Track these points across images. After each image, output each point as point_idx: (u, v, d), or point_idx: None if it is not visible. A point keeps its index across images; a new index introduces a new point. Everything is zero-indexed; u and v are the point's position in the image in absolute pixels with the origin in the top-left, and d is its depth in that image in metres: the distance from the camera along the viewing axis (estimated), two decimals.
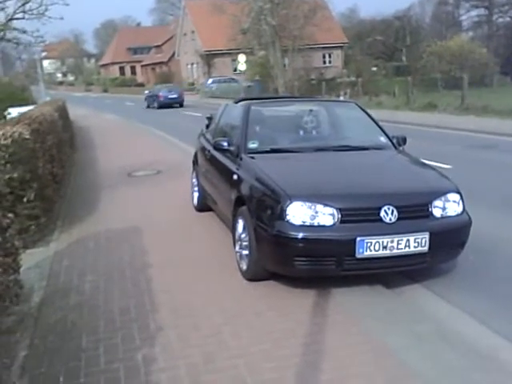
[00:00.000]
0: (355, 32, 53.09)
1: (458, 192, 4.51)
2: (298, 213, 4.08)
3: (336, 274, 4.20)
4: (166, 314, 4.04)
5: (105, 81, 69.76)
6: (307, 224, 4.07)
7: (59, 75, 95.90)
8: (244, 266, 4.65)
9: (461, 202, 4.48)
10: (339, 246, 4.05)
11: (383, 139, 5.57)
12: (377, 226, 4.08)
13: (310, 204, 4.10)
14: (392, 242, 4.04)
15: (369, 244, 4.01)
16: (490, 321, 3.84)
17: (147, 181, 9.46)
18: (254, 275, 4.55)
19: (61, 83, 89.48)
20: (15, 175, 5.51)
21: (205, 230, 6.31)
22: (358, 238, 3.99)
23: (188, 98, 37.05)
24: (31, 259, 5.46)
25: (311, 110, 5.88)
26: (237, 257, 4.86)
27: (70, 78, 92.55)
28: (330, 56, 49.73)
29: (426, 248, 4.13)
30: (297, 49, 35.04)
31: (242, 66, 37.11)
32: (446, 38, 42.94)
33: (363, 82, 30.28)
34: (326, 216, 4.07)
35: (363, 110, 5.98)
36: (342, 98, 24.14)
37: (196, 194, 7.10)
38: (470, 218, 4.51)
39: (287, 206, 4.10)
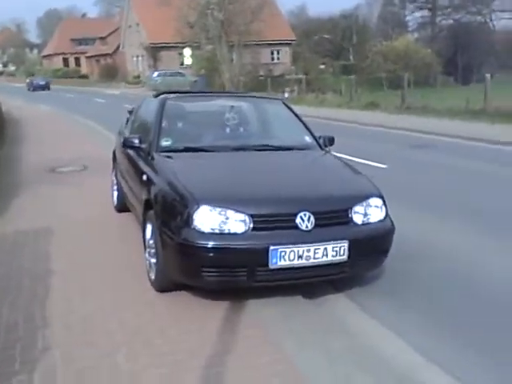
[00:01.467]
0: (303, 30, 53.14)
1: (381, 196, 4.22)
2: (207, 219, 3.71)
3: (248, 286, 3.86)
4: (58, 331, 3.60)
5: (47, 72, 67.31)
6: (216, 231, 3.71)
7: None
8: (153, 276, 4.25)
9: (383, 207, 4.19)
10: (251, 256, 3.70)
11: (308, 139, 5.25)
12: (292, 234, 3.75)
13: (220, 209, 3.73)
14: (308, 250, 3.73)
15: (283, 253, 3.68)
16: (409, 335, 3.60)
17: (71, 177, 8.90)
18: (161, 286, 4.15)
19: (0, 73, 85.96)
20: None
21: (121, 233, 5.86)
22: (271, 247, 3.66)
23: (130, 91, 36.34)
24: None
25: (233, 107, 5.46)
26: (146, 265, 4.45)
27: (11, 68, 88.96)
28: (278, 52, 49.60)
29: (345, 257, 3.83)
30: (243, 44, 34.69)
31: (187, 60, 36.51)
32: (392, 39, 43.55)
33: (311, 80, 30.29)
34: (237, 223, 3.71)
35: (289, 108, 5.64)
36: (286, 95, 23.94)
37: (115, 193, 6.63)
38: (393, 224, 4.25)
39: (194, 211, 3.72)
